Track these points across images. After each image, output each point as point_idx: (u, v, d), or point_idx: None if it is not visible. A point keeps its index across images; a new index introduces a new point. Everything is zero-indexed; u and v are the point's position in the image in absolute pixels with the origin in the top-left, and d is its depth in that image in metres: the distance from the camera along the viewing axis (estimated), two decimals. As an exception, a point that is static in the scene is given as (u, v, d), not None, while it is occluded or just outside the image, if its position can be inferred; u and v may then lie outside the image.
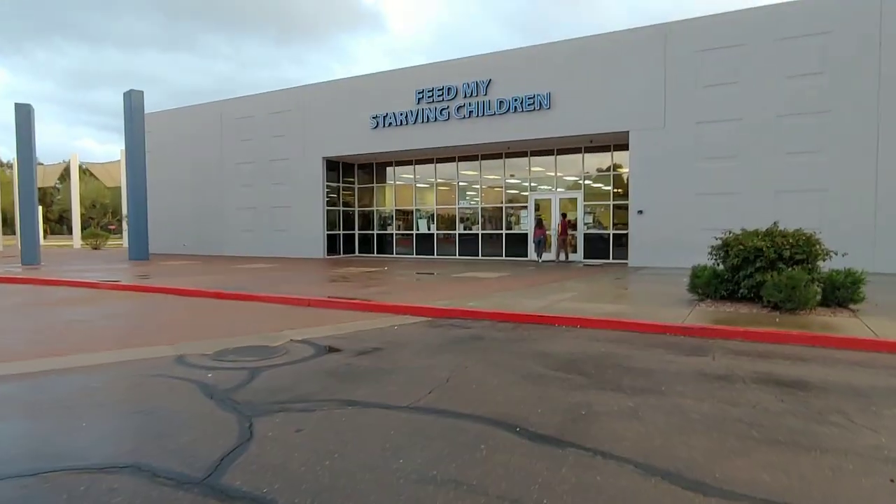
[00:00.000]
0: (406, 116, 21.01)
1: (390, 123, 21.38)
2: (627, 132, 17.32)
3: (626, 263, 17.70)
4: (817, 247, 8.40)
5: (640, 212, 17.23)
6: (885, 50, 14.16)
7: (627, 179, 18.17)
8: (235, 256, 24.58)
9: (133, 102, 22.48)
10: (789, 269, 8.19)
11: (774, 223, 8.99)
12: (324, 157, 23.24)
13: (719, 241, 9.22)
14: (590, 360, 5.81)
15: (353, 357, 6.05)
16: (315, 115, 23.27)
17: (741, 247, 8.50)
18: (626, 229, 18.43)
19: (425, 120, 20.64)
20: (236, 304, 10.36)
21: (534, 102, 18.60)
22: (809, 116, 14.94)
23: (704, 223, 16.24)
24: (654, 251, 17.00)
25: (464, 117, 19.88)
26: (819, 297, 7.94)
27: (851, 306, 8.25)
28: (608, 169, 19.75)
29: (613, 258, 19.32)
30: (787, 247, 8.30)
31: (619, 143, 18.66)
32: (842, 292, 8.17)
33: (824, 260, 8.48)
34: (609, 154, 19.54)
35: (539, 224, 19.76)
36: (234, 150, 25.63)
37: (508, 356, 6.02)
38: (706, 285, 8.98)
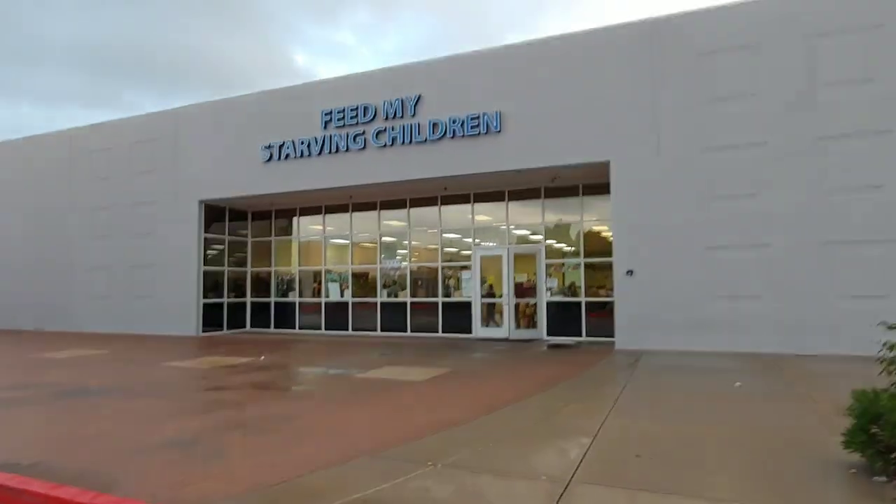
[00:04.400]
0: (308, 146, 15.63)
1: (288, 155, 15.92)
2: (607, 163, 12.60)
3: (612, 343, 12.57)
4: None
5: (630, 272, 12.29)
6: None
7: (607, 230, 13.35)
8: (79, 333, 17.91)
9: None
10: None
11: None
12: (201, 201, 17.34)
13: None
14: None
15: None
16: (190, 145, 17.54)
17: None
18: (606, 296, 13.48)
19: (334, 150, 15.32)
20: None
21: (479, 124, 13.69)
22: (863, 138, 10.68)
23: (721, 288, 11.50)
24: (650, 327, 11.97)
25: (385, 145, 14.70)
26: None
27: None
28: (574, 217, 14.90)
29: (588, 335, 14.18)
30: None
31: (591, 182, 13.97)
32: None
33: None
34: (578, 198, 14.76)
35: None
36: (88, 191, 19.34)
37: None
38: (912, 442, 3.80)
